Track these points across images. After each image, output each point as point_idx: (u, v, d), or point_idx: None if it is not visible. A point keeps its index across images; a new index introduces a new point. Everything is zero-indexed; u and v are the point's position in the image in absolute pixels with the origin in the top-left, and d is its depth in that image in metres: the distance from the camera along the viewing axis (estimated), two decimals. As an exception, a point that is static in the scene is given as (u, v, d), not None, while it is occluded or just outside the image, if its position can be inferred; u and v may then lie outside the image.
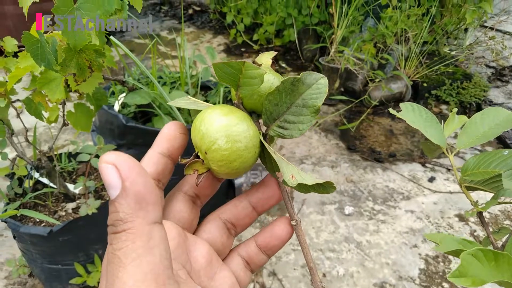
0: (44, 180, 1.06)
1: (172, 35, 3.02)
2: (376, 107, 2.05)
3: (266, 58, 0.34)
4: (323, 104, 2.10)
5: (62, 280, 1.05)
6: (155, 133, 1.09)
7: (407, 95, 2.12)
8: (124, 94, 1.19)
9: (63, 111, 0.87)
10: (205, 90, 1.39)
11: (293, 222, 0.32)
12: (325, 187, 0.29)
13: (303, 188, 0.29)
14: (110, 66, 0.84)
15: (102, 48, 0.66)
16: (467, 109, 2.09)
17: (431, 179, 1.63)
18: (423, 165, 1.72)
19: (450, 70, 2.21)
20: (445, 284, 1.21)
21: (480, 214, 0.48)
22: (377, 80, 1.96)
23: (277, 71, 2.50)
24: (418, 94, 2.14)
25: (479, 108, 2.10)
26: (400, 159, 1.75)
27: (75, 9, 0.62)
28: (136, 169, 0.20)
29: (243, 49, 2.77)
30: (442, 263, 1.28)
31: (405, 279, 1.22)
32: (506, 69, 2.52)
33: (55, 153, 1.12)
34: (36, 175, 1.05)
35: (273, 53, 0.35)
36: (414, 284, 1.21)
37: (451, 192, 1.58)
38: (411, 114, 0.60)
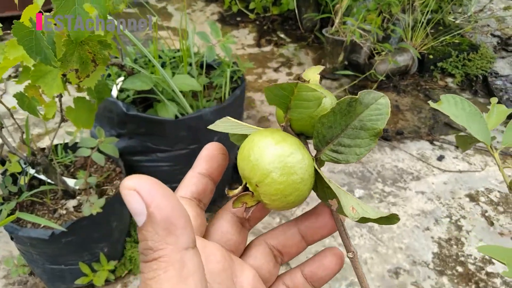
0: (41, 176, 0.98)
1: (162, 3, 2.84)
2: (381, 81, 1.97)
3: (313, 74, 0.32)
4: (327, 78, 2.01)
5: (66, 280, 1.00)
6: (158, 122, 1.01)
7: (413, 68, 2.04)
8: (122, 78, 1.09)
9: (61, 105, 0.77)
10: (207, 69, 1.30)
11: (350, 255, 0.29)
12: (388, 219, 0.26)
13: (363, 220, 0.26)
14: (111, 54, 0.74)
15: (107, 38, 0.57)
16: (473, 82, 2.03)
17: (440, 158, 1.59)
18: (431, 142, 1.67)
19: (457, 41, 2.13)
20: (459, 268, 1.19)
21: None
22: (383, 53, 1.87)
23: (276, 43, 2.38)
24: (424, 66, 2.07)
25: (485, 80, 2.04)
26: (407, 136, 1.70)
27: (74, -6, 0.52)
28: (160, 192, 0.19)
29: (238, 19, 2.63)
30: (455, 246, 1.26)
31: (419, 263, 1.20)
32: (511, 38, 2.45)
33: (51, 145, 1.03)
34: (32, 171, 0.97)
35: (320, 68, 0.33)
36: (428, 268, 1.19)
37: (460, 171, 1.54)
38: (453, 108, 0.53)
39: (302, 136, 0.30)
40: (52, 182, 0.97)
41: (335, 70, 1.99)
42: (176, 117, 1.04)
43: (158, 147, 1.07)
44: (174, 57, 1.25)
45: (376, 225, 1.31)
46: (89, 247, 0.96)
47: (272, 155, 0.25)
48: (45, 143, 1.56)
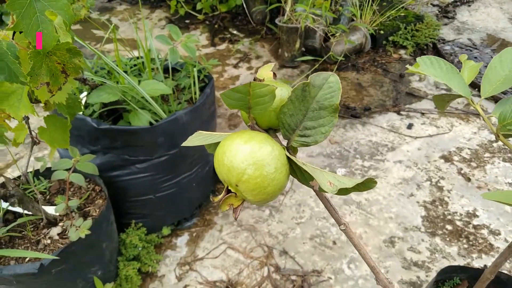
0: (16, 208, 0.91)
1: (105, 16, 2.74)
2: (340, 61, 2.01)
3: (266, 72, 0.34)
4: (287, 67, 2.02)
5: (61, 313, 0.93)
6: (134, 132, 0.96)
7: (367, 45, 2.10)
8: (85, 93, 1.04)
9: (29, 127, 0.72)
10: (171, 72, 1.26)
11: (342, 227, 0.32)
12: (365, 184, 0.28)
13: (343, 191, 0.28)
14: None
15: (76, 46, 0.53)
16: (424, 51, 2.12)
17: (410, 126, 1.64)
18: (398, 113, 1.72)
19: (402, 14, 2.21)
20: (448, 226, 1.24)
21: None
22: (337, 34, 1.90)
23: (230, 40, 2.37)
24: (377, 42, 2.13)
25: (435, 48, 2.13)
26: (375, 111, 1.74)
27: (34, 1, 0.48)
28: None
29: (187, 21, 2.58)
30: (440, 207, 1.30)
31: (411, 229, 1.23)
32: (449, 5, 2.58)
33: (26, 172, 0.96)
34: (4, 204, 0.89)
35: (271, 65, 0.35)
36: (420, 232, 1.22)
37: (430, 135, 1.60)
38: (431, 68, 0.55)
39: (271, 130, 0.32)
40: (30, 213, 0.90)
41: (294, 58, 2.00)
42: (151, 124, 1.00)
43: (137, 158, 1.02)
44: (135, 65, 1.20)
45: (363, 200, 1.33)
46: (82, 273, 0.90)
47: (243, 154, 0.27)
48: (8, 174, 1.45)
